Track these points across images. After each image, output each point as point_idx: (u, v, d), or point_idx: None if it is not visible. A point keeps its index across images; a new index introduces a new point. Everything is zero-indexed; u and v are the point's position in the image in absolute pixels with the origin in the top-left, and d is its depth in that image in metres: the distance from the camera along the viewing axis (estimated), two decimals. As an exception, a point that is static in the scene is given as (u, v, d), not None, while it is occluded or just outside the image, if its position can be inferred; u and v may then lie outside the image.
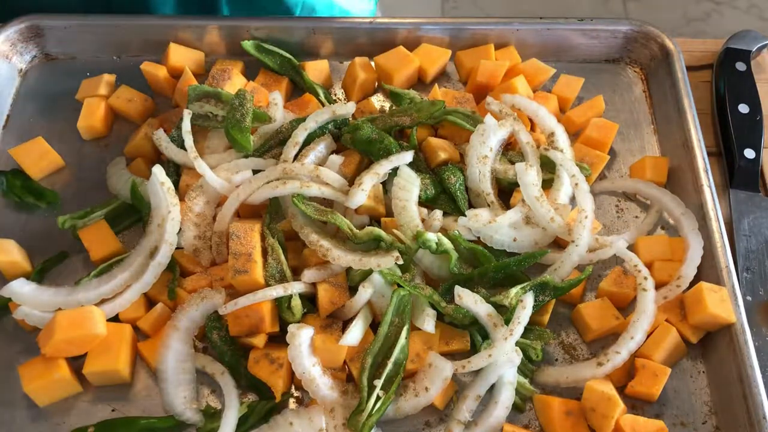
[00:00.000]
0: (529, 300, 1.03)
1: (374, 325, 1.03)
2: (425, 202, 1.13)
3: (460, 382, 1.04)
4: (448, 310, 1.03)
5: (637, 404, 1.03)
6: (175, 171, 1.19)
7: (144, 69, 1.29)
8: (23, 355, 1.04)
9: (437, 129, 1.23)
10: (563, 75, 1.31)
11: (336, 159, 1.14)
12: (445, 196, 1.15)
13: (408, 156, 1.13)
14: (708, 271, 1.10)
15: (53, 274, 1.12)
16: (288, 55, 1.31)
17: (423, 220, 1.10)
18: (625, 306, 1.10)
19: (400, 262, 1.02)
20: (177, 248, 1.08)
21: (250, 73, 1.33)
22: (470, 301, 1.02)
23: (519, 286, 1.04)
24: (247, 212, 1.14)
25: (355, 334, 1.00)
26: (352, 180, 1.13)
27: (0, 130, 1.27)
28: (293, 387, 1.03)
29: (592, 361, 1.03)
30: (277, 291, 1.01)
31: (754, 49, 1.36)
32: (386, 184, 1.14)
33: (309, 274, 1.04)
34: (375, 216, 1.12)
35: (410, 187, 1.11)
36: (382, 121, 1.20)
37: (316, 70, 1.31)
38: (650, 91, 1.34)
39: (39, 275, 1.10)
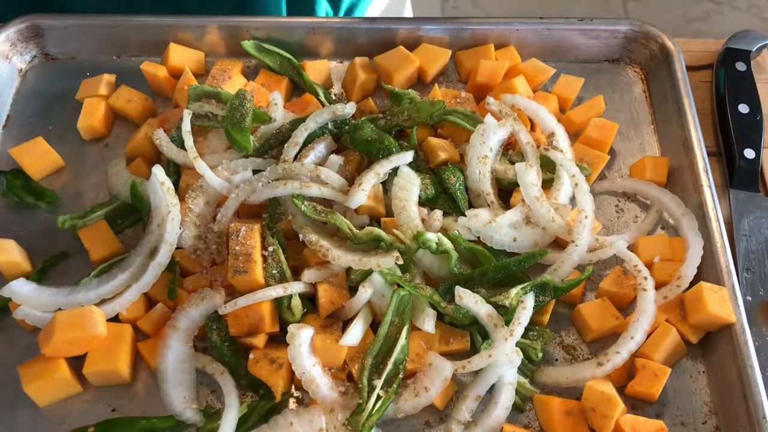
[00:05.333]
0: (529, 300, 1.03)
1: (374, 325, 1.03)
2: (425, 202, 1.13)
3: (460, 382, 1.04)
4: (448, 310, 1.03)
5: (637, 404, 1.03)
6: (175, 171, 1.19)
7: (144, 69, 1.29)
8: (23, 355, 1.04)
9: (437, 129, 1.23)
10: (563, 75, 1.31)
11: (336, 159, 1.14)
12: (445, 196, 1.15)
13: (408, 156, 1.13)
14: (708, 271, 1.10)
15: (53, 274, 1.12)
16: (288, 55, 1.31)
17: (423, 220, 1.10)
18: (625, 306, 1.10)
19: (400, 262, 1.02)
20: (177, 248, 1.07)
21: (250, 73, 1.33)
22: (470, 301, 1.02)
23: (519, 287, 1.04)
24: (247, 212, 1.14)
25: (355, 334, 1.00)
26: (352, 180, 1.13)
27: (0, 130, 1.27)
28: (293, 387, 1.03)
29: (592, 361, 1.03)
30: (277, 291, 1.01)
31: (754, 49, 1.36)
32: (386, 184, 1.14)
33: (309, 274, 1.04)
34: (375, 216, 1.12)
35: (410, 187, 1.11)
36: (382, 121, 1.20)
37: (316, 70, 1.31)
38: (650, 91, 1.34)
39: (39, 275, 1.10)
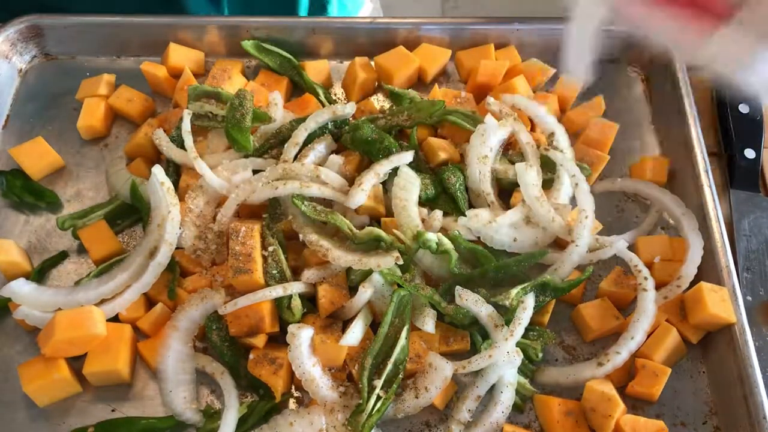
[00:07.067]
0: (530, 301, 1.03)
1: (374, 325, 1.03)
2: (425, 202, 1.13)
3: (460, 383, 1.04)
4: (448, 311, 1.03)
5: (637, 404, 1.03)
6: (175, 171, 1.19)
7: (144, 69, 1.29)
8: (23, 355, 1.04)
9: (437, 129, 1.23)
10: (563, 75, 1.31)
11: (336, 159, 1.14)
12: (445, 196, 1.15)
13: (408, 156, 1.13)
14: (708, 271, 1.09)
15: (53, 274, 1.12)
16: (288, 55, 1.30)
17: (423, 220, 1.10)
18: (626, 306, 1.10)
19: (400, 262, 1.02)
20: (177, 248, 1.07)
21: (250, 73, 1.33)
22: (471, 301, 1.02)
23: (520, 287, 1.04)
24: (247, 212, 1.13)
25: (355, 334, 1.00)
26: (352, 180, 1.13)
27: (0, 130, 1.27)
28: (293, 387, 1.03)
29: (592, 361, 1.03)
30: (277, 291, 1.01)
31: (754, 49, 1.36)
32: (386, 184, 1.14)
33: (309, 274, 1.04)
34: (375, 216, 1.12)
35: (410, 187, 1.10)
36: (382, 121, 1.20)
37: (316, 70, 1.31)
38: (650, 91, 1.34)
39: (39, 275, 1.10)
